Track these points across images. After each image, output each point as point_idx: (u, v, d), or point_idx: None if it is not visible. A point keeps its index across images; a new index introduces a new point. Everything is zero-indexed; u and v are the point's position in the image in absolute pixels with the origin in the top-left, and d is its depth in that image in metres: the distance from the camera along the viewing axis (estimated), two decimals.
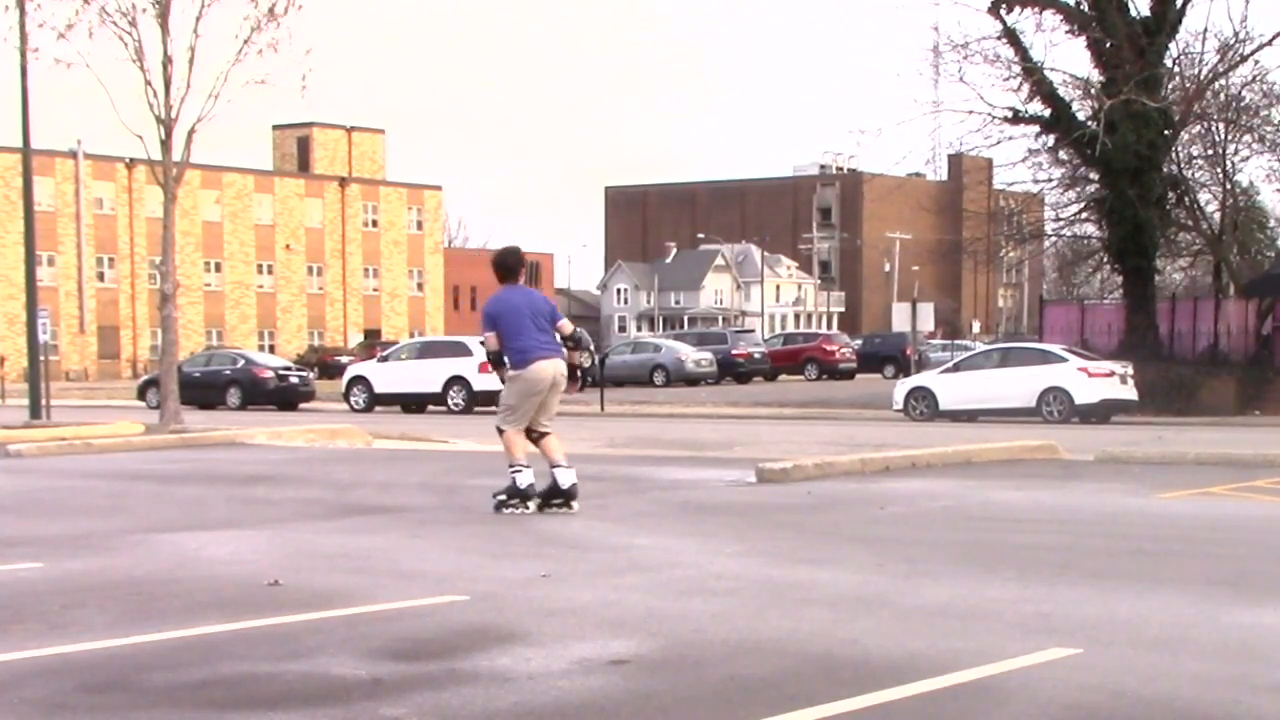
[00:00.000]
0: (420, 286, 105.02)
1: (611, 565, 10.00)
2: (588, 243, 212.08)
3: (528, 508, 12.92)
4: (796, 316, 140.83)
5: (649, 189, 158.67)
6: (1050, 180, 42.98)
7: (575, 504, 13.04)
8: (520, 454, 13.00)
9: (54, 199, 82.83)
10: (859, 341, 71.21)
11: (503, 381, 13.34)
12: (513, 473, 13.00)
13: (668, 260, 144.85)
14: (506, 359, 13.00)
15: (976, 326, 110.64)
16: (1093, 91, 37.17)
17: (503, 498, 13.07)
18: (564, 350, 13.17)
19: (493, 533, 11.90)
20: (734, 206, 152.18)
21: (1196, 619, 7.93)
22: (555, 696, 6.35)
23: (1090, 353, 34.44)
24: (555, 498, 13.08)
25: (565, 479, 13.04)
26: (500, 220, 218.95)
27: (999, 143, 38.48)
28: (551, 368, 12.97)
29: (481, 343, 13.43)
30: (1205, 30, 39.64)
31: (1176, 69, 38.98)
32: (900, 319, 46.99)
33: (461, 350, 40.28)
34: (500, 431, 13.20)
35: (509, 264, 13.33)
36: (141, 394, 43.58)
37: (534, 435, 13.12)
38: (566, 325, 13.26)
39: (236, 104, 26.28)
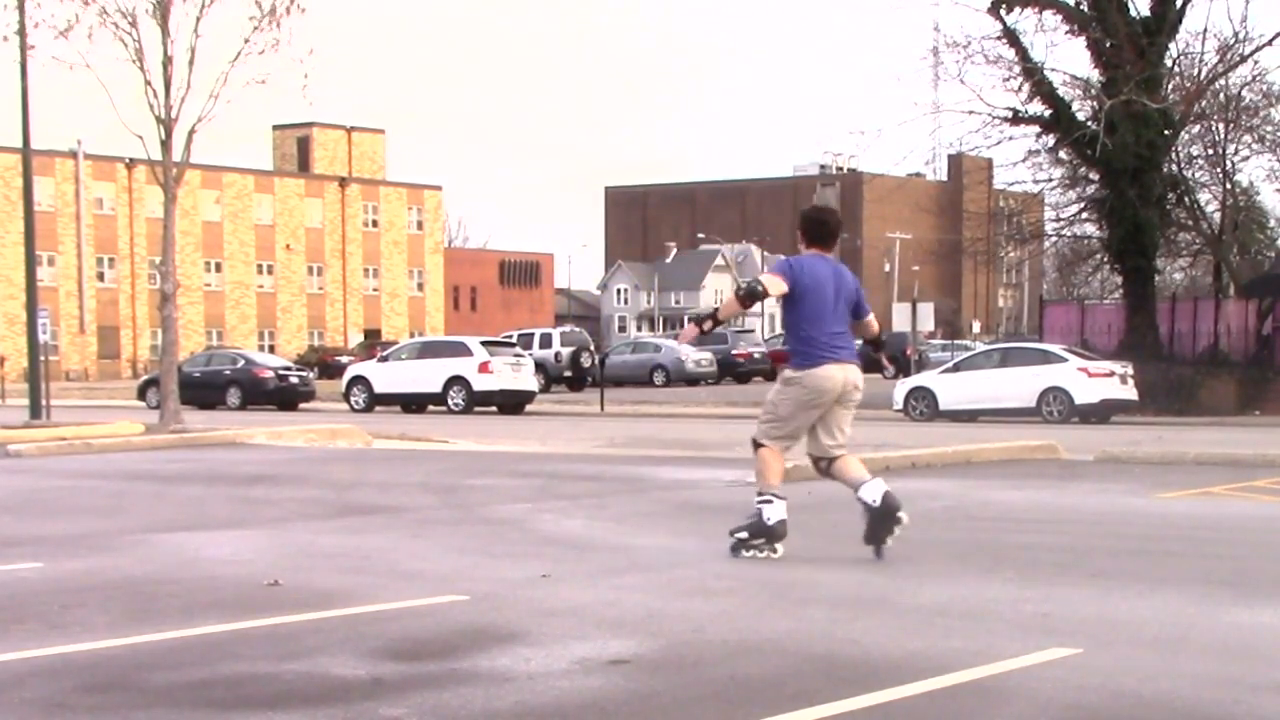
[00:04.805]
0: (420, 286, 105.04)
1: (611, 565, 9.99)
2: (588, 243, 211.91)
3: (775, 551, 9.98)
4: None
5: (649, 189, 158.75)
6: (1050, 180, 43.07)
7: (903, 514, 9.89)
8: (775, 479, 10.00)
9: (54, 199, 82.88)
10: (859, 341, 71.06)
11: (703, 331, 10.32)
12: (760, 503, 10.01)
13: (668, 260, 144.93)
14: (786, 349, 10.30)
15: (976, 326, 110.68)
16: (1093, 92, 37.20)
17: (743, 535, 10.05)
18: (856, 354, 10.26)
19: (493, 533, 11.89)
20: (734, 206, 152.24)
21: (1196, 619, 7.93)
22: (555, 696, 6.35)
23: (1090, 353, 34.45)
24: (881, 528, 9.88)
25: (871, 492, 9.88)
26: (500, 220, 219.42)
27: (999, 143, 38.52)
28: (842, 374, 10.13)
29: (751, 285, 9.82)
30: (1205, 30, 39.83)
31: (1176, 69, 39.02)
32: (900, 319, 47.06)
33: (461, 350, 40.30)
34: (755, 445, 10.12)
35: (827, 228, 10.24)
36: (141, 394, 43.60)
37: (821, 464, 10.15)
38: (874, 323, 10.55)
39: (237, 104, 26.26)
